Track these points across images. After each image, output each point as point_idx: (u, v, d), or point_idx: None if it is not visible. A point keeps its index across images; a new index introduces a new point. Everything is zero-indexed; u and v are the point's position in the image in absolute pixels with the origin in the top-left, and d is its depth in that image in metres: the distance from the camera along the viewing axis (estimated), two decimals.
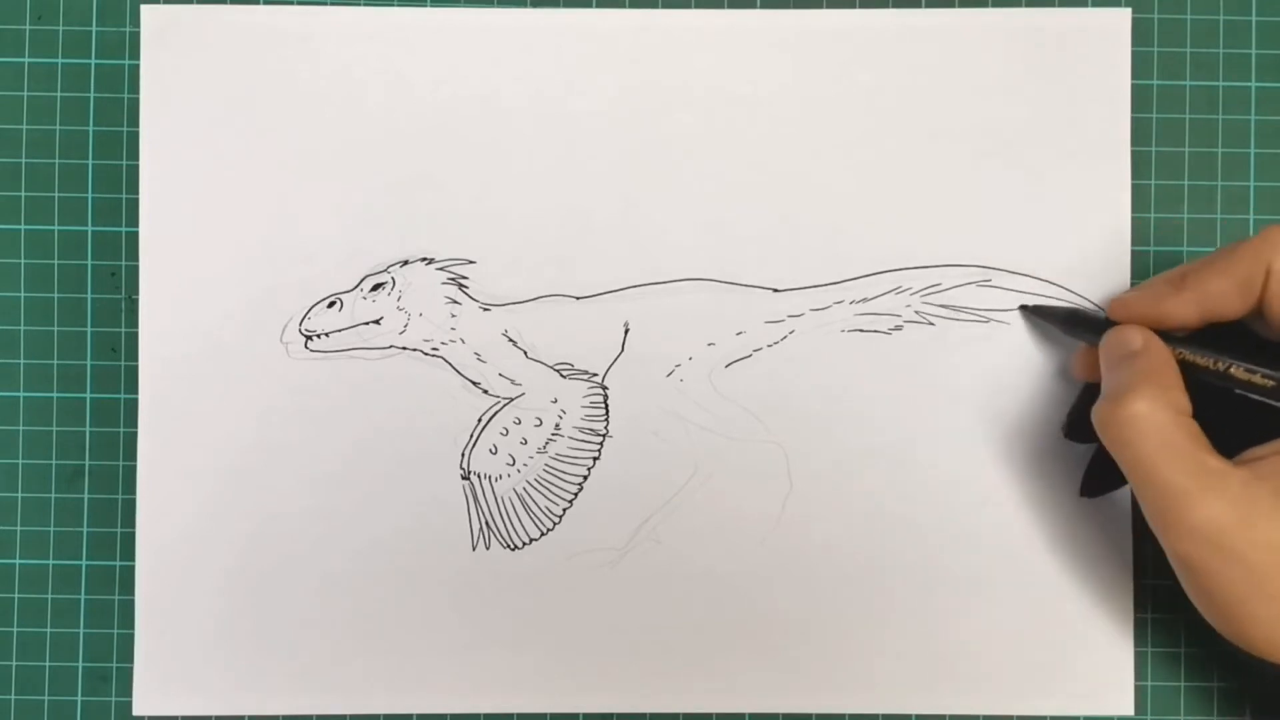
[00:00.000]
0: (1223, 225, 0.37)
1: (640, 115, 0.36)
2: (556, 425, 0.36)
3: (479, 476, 0.36)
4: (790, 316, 0.36)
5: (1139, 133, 0.37)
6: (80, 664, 0.37)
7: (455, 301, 0.36)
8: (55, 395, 0.37)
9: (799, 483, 0.36)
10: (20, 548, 0.37)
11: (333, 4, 0.37)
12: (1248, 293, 0.30)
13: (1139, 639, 0.36)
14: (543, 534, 0.36)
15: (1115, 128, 0.36)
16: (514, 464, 0.36)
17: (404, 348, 0.36)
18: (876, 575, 0.36)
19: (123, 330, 0.37)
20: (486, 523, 0.36)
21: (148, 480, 0.36)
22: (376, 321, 0.36)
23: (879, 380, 0.36)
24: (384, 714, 0.36)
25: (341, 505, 0.36)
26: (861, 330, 0.36)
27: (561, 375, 0.36)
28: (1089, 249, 0.36)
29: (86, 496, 0.37)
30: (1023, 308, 0.36)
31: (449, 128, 0.36)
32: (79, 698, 0.37)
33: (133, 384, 0.36)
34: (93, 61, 0.37)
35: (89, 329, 0.37)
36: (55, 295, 0.37)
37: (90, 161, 0.37)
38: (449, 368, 0.36)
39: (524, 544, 0.36)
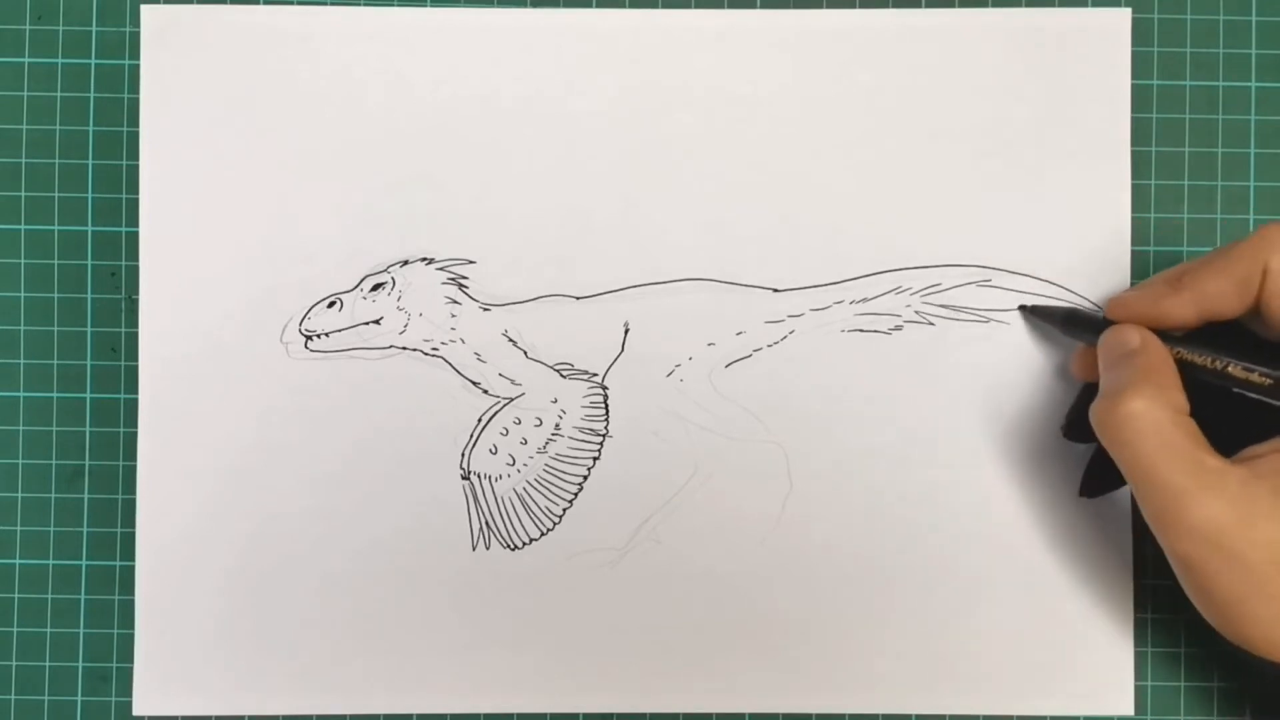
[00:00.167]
0: (1223, 225, 0.37)
1: (640, 115, 0.36)
2: (556, 425, 0.36)
3: (479, 476, 0.36)
4: (790, 316, 0.36)
5: (1139, 133, 0.37)
6: (80, 664, 0.37)
7: (455, 301, 0.36)
8: (55, 395, 0.37)
9: (799, 483, 0.36)
10: (20, 548, 0.37)
11: (333, 4, 0.37)
12: (1245, 292, 0.30)
13: (1139, 639, 0.36)
14: (543, 534, 0.36)
15: (1115, 128, 0.36)
16: (514, 464, 0.36)
17: (404, 348, 0.36)
18: (876, 575, 0.36)
19: (123, 330, 0.37)
20: (486, 523, 0.36)
21: (148, 480, 0.36)
22: (376, 321, 0.36)
23: (879, 380, 0.36)
24: (384, 714, 0.36)
25: (341, 505, 0.36)
26: (861, 330, 0.36)
27: (561, 375, 0.36)
28: (1089, 249, 0.36)
29: (86, 496, 0.37)
30: (1022, 308, 0.36)
31: (449, 128, 0.36)
32: (79, 698, 0.37)
33: (133, 384, 0.36)
34: (93, 61, 0.37)
35: (89, 329, 0.37)
36: (55, 295, 0.37)
37: (90, 161, 0.37)
38: (449, 368, 0.36)
39: (524, 544, 0.36)
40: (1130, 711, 0.36)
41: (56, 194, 0.37)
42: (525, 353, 0.36)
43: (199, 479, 0.36)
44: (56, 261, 0.37)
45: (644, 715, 0.37)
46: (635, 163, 0.36)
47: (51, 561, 0.37)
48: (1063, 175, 0.36)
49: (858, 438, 0.36)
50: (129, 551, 0.36)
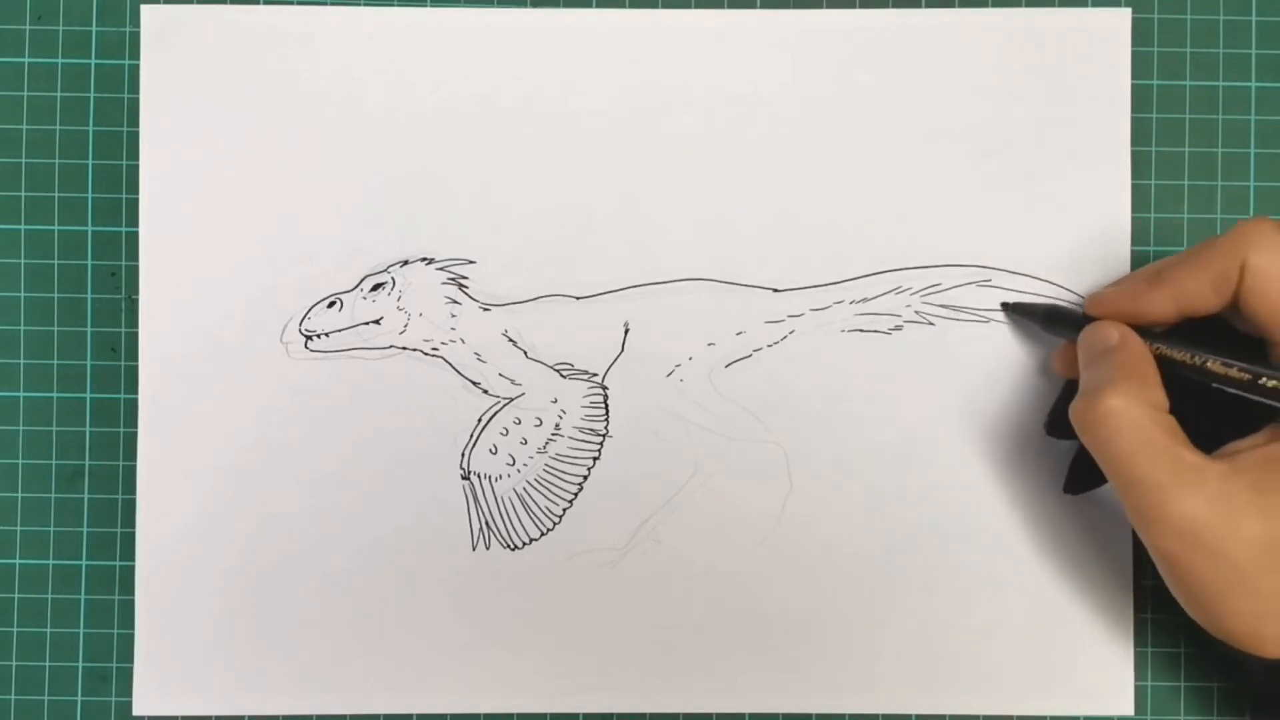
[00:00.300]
0: (1223, 225, 0.37)
1: (640, 115, 0.36)
2: (556, 425, 0.36)
3: (479, 476, 0.36)
4: (790, 316, 0.36)
5: (1139, 133, 0.37)
6: (80, 664, 0.37)
7: (455, 301, 0.36)
8: (55, 395, 0.37)
9: (799, 483, 0.36)
10: (20, 548, 0.37)
11: (333, 4, 0.37)
12: (1223, 288, 0.30)
13: (1139, 639, 0.36)
14: (543, 534, 0.36)
15: (1115, 128, 0.36)
16: (514, 464, 0.36)
17: (404, 348, 0.36)
18: (876, 575, 0.36)
19: (123, 330, 0.37)
20: (486, 523, 0.36)
21: (148, 480, 0.36)
22: (376, 321, 0.36)
23: (879, 380, 0.36)
24: (384, 714, 0.36)
25: (341, 505, 0.36)
26: (861, 330, 0.36)
27: (561, 375, 0.36)
28: (1089, 249, 0.36)
29: (86, 496, 0.37)
30: (1004, 305, 0.36)
31: (449, 128, 0.36)
32: (79, 698, 0.37)
33: (133, 384, 0.36)
34: (93, 61, 0.37)
35: (89, 329, 0.37)
36: (55, 295, 0.37)
37: (90, 161, 0.37)
38: (449, 368, 0.36)
39: (524, 544, 0.36)
40: (1130, 711, 0.36)
41: (56, 194, 0.37)
42: (525, 353, 0.36)
43: (199, 479, 0.36)
44: (56, 261, 0.37)
45: (644, 715, 0.37)
46: (635, 163, 0.36)
47: (51, 561, 0.37)
48: (1063, 175, 0.36)
49: (858, 438, 0.36)
50: (129, 551, 0.36)
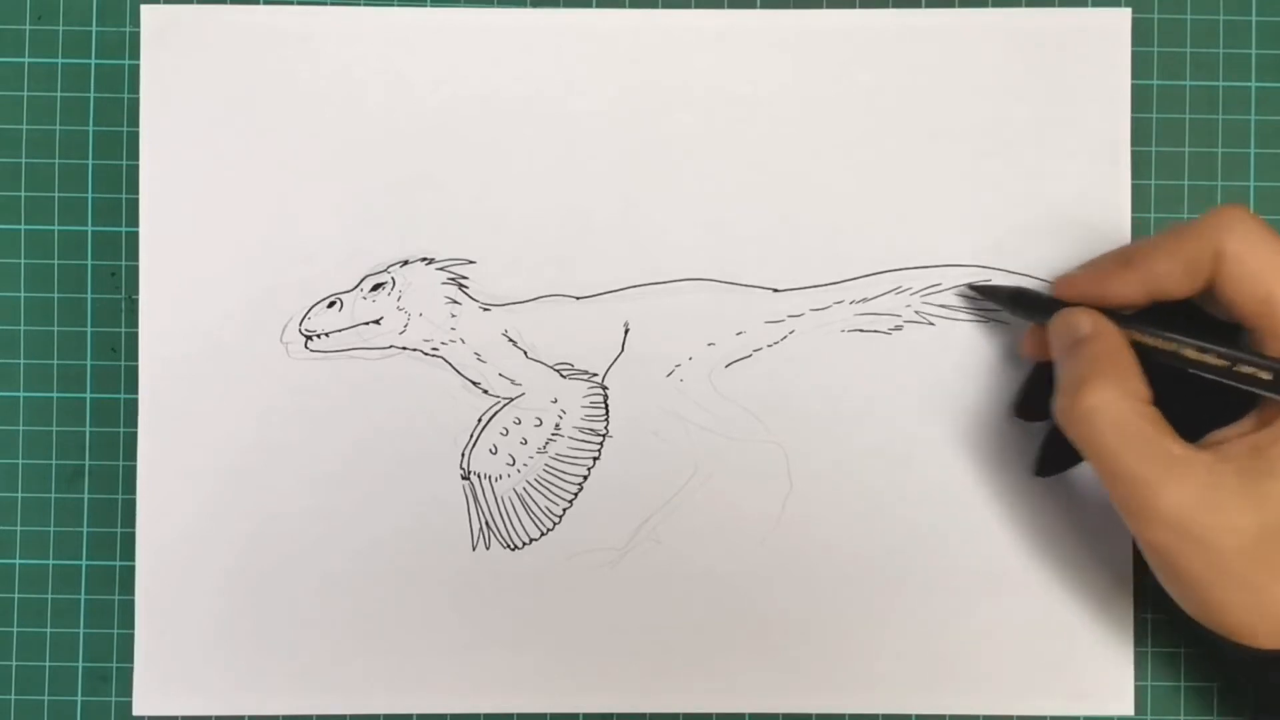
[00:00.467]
0: None
1: (640, 115, 0.36)
2: (556, 425, 0.36)
3: (479, 476, 0.36)
4: (790, 316, 0.36)
5: (1139, 133, 0.37)
6: (80, 664, 0.37)
7: (455, 301, 0.36)
8: (55, 395, 0.37)
9: (799, 483, 0.36)
10: (20, 548, 0.37)
11: (333, 4, 0.37)
12: (1195, 274, 0.30)
13: (1139, 639, 0.36)
14: (543, 534, 0.36)
15: (1115, 128, 0.36)
16: (514, 464, 0.36)
17: (404, 348, 0.36)
18: (876, 575, 0.36)
19: (123, 330, 0.37)
20: (486, 523, 0.36)
21: (148, 480, 0.36)
22: (376, 321, 0.36)
23: (879, 380, 0.36)
24: (384, 714, 0.36)
25: (341, 505, 0.36)
26: (861, 330, 0.36)
27: (561, 375, 0.36)
28: (1089, 249, 0.36)
29: (86, 496, 0.37)
30: (969, 285, 0.36)
31: (449, 128, 0.36)
32: (79, 698, 0.37)
33: (133, 384, 0.36)
34: (93, 61, 0.37)
35: (89, 329, 0.37)
36: (55, 295, 0.37)
37: (90, 161, 0.37)
38: (449, 368, 0.36)
39: (524, 544, 0.36)
40: (1130, 711, 0.36)
41: (56, 194, 0.37)
42: (525, 353, 0.36)
43: (199, 479, 0.36)
44: (56, 261, 0.37)
45: (644, 715, 0.37)
46: (635, 163, 0.36)
47: (51, 561, 0.37)
48: (1063, 175, 0.36)
49: (858, 438, 0.36)
50: (129, 551, 0.36)
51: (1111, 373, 0.29)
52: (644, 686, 0.36)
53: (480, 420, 0.36)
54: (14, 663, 0.37)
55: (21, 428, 0.37)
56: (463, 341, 0.36)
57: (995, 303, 0.35)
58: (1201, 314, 0.32)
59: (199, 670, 0.36)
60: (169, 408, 0.36)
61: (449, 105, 0.36)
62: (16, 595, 0.37)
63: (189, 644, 0.36)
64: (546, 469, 0.36)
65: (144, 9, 0.36)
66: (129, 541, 0.36)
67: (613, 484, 0.36)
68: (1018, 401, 0.35)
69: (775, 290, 0.36)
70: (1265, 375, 0.29)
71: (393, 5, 0.37)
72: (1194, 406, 0.30)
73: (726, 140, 0.36)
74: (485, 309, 0.36)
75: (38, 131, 0.37)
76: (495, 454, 0.36)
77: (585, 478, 0.36)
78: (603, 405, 0.36)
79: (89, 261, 0.37)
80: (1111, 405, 0.29)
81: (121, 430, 0.37)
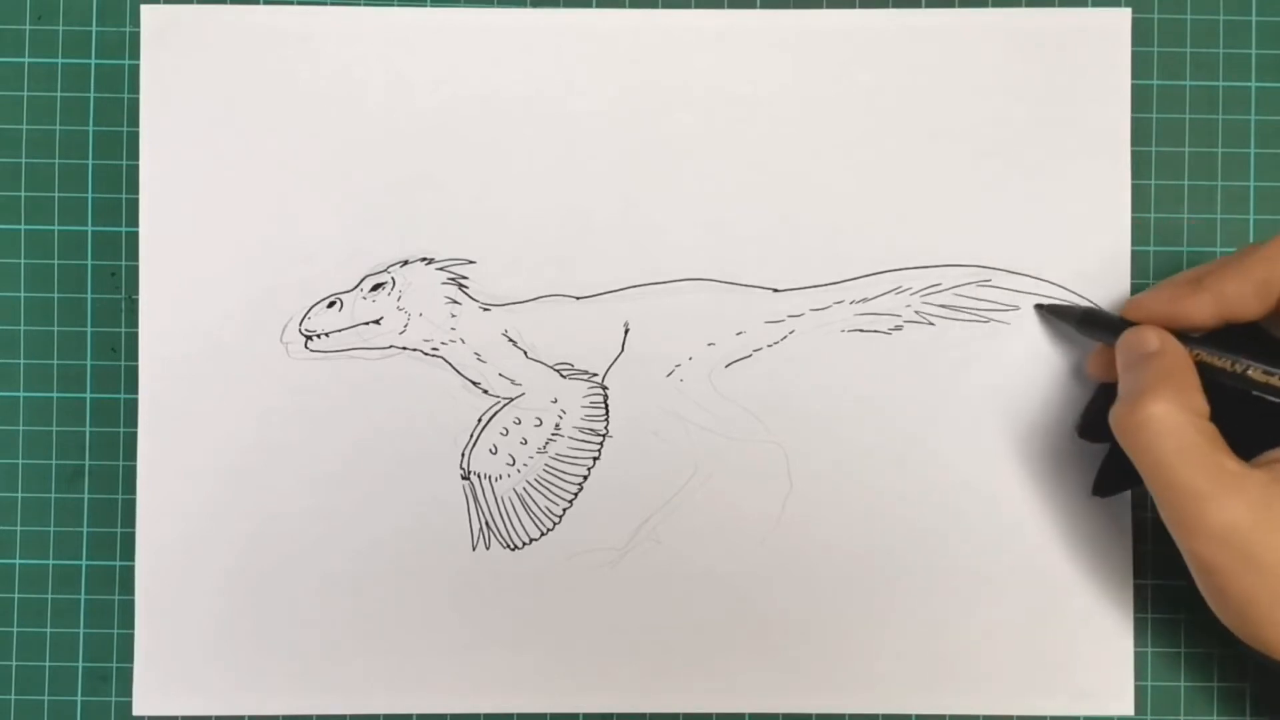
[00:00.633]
0: (1223, 225, 0.37)
1: (640, 115, 0.36)
2: (556, 425, 0.36)
3: (479, 476, 0.36)
4: (790, 316, 0.36)
5: (1139, 133, 0.37)
6: (80, 664, 0.37)
7: (455, 301, 0.36)
8: (55, 395, 0.37)
9: (799, 483, 0.36)
10: (20, 548, 0.37)
11: (333, 4, 0.37)
12: (1266, 295, 0.30)
13: (1139, 639, 0.36)
14: (543, 534, 0.36)
15: (1115, 128, 0.36)
16: (514, 464, 0.36)
17: (404, 348, 0.36)
18: (876, 575, 0.36)
19: (123, 330, 0.37)
20: (486, 523, 0.36)
21: (148, 480, 0.36)
22: (376, 321, 0.36)
23: (879, 380, 0.36)
24: (384, 714, 0.36)
25: (341, 505, 0.36)
26: (861, 330, 0.36)
27: (561, 375, 0.36)
28: (1089, 249, 0.36)
29: (86, 496, 0.37)
30: (1038, 307, 0.36)
31: (449, 128, 0.36)
32: (79, 698, 0.37)
33: (133, 384, 0.36)
34: (93, 61, 0.37)
35: (89, 329, 0.37)
36: (55, 295, 0.37)
37: (90, 161, 0.37)
38: (449, 368, 0.36)
39: (524, 544, 0.36)
40: (1130, 711, 0.36)
41: (56, 194, 0.37)
42: (525, 353, 0.36)
43: (199, 479, 0.36)
44: (56, 261, 0.37)
45: (644, 715, 0.37)
46: (635, 163, 0.36)
47: (51, 561, 0.37)
48: (1063, 175, 0.36)
49: (858, 438, 0.36)
50: (129, 551, 0.36)
51: (1172, 385, 0.29)
52: (644, 686, 0.36)
53: (480, 420, 0.36)
54: (14, 663, 0.37)
55: (21, 428, 0.37)
56: (463, 341, 0.36)
57: (1065, 321, 0.35)
58: (1268, 337, 0.32)
59: (199, 670, 0.36)
60: (169, 408, 0.36)
61: (449, 105, 0.36)
62: (16, 595, 0.37)
63: (189, 644, 0.36)
64: (546, 469, 0.36)
65: (144, 9, 0.36)
66: (129, 541, 0.36)
67: (613, 484, 0.36)
68: (1081, 422, 0.35)
69: (775, 290, 0.36)
70: None
71: (393, 5, 0.37)
72: (1255, 429, 0.30)
73: (726, 140, 0.36)
74: (485, 309, 0.36)
75: (38, 131, 0.37)
76: (495, 454, 0.36)
77: (585, 478, 0.36)
78: (603, 405, 0.36)
79: (89, 261, 0.37)
80: (1169, 416, 0.29)
81: (121, 430, 0.37)
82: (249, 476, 0.36)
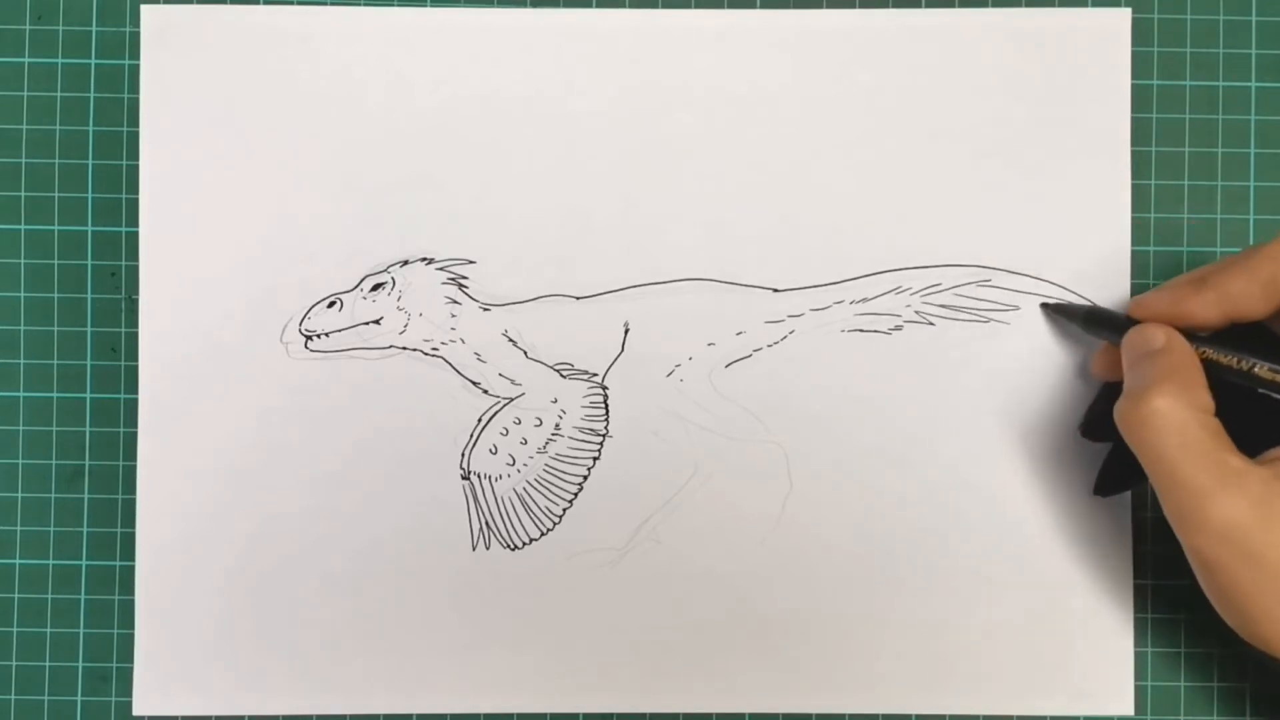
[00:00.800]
0: (1223, 225, 0.37)
1: (640, 115, 0.36)
2: (556, 425, 0.36)
3: (479, 476, 0.36)
4: (790, 316, 0.36)
5: (1139, 133, 0.37)
6: (80, 664, 0.37)
7: (455, 301, 0.36)
8: (55, 395, 0.37)
9: (799, 483, 0.36)
10: (20, 548, 0.37)
11: (333, 4, 0.37)
12: (1271, 293, 0.30)
13: (1139, 639, 0.36)
14: (543, 534, 0.36)
15: (1115, 128, 0.36)
16: (514, 464, 0.36)
17: (404, 348, 0.36)
18: (876, 575, 0.36)
19: (123, 330, 0.37)
20: (486, 523, 0.36)
21: (148, 480, 0.36)
22: (376, 321, 0.36)
23: (879, 380, 0.36)
24: (384, 714, 0.36)
25: (341, 505, 0.36)
26: (861, 330, 0.36)
27: (561, 375, 0.36)
28: (1089, 249, 0.36)
29: (86, 496, 0.37)
30: (1043, 305, 0.36)
31: (449, 128, 0.36)
32: (79, 698, 0.37)
33: (133, 384, 0.36)
34: (93, 61, 0.37)
35: (89, 329, 0.37)
36: (55, 295, 0.37)
37: (90, 161, 0.37)
38: (449, 368, 0.36)
39: (524, 544, 0.36)
40: (1130, 711, 0.36)
41: (56, 194, 0.37)
42: (525, 353, 0.36)
43: (199, 479, 0.36)
44: (56, 261, 0.37)
45: (644, 715, 0.37)
46: (635, 163, 0.36)
47: (51, 561, 0.37)
48: (1063, 175, 0.36)
49: (858, 438, 0.36)
50: (129, 551, 0.36)
51: (1178, 381, 0.29)
52: (644, 686, 0.36)
53: (480, 420, 0.36)
54: (14, 663, 0.37)
55: (21, 428, 0.37)
56: (463, 341, 0.36)
57: (1070, 320, 0.35)
58: (1273, 336, 0.32)
59: (199, 670, 0.36)
60: (169, 408, 0.36)
61: (449, 105, 0.36)
62: (16, 595, 0.37)
63: (189, 644, 0.36)
64: (546, 469, 0.36)
65: (144, 9, 0.36)
66: (129, 541, 0.36)
67: (613, 484, 0.36)
68: (1085, 421, 0.35)
69: (775, 290, 0.36)
70: None
71: (393, 5, 0.37)
72: (1260, 427, 0.30)
73: (726, 140, 0.36)
74: (485, 309, 0.36)
75: (38, 131, 0.37)
76: (495, 454, 0.36)
77: (585, 478, 0.36)
78: (603, 405, 0.36)
79: (89, 261, 0.37)
80: (1174, 411, 0.29)
81: (121, 430, 0.37)
82: (249, 476, 0.36)
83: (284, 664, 0.36)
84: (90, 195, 0.37)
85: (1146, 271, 0.37)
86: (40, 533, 0.37)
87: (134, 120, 0.37)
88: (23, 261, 0.37)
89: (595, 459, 0.36)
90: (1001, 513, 0.36)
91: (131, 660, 0.36)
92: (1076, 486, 0.36)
